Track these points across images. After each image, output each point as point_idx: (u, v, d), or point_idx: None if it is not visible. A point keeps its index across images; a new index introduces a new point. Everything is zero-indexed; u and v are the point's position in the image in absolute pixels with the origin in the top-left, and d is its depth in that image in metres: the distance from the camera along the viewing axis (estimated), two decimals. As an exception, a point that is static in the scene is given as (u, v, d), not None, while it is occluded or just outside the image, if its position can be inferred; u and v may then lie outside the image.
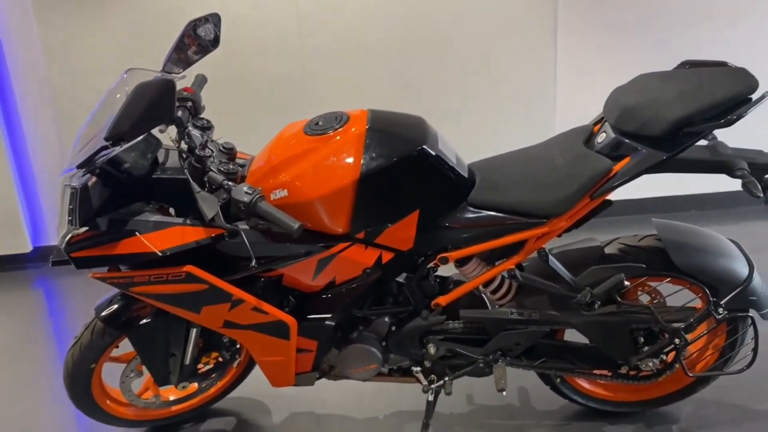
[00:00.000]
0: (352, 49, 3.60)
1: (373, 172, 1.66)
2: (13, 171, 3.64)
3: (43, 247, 3.84)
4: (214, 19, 1.89)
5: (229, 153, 1.81)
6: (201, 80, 2.01)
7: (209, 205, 1.55)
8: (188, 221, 1.71)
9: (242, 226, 1.71)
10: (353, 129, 1.71)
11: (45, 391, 2.59)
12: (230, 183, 1.57)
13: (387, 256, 1.78)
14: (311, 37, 3.56)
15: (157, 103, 1.50)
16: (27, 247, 3.76)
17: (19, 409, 2.48)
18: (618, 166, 1.68)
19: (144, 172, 1.75)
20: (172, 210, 1.83)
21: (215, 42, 1.89)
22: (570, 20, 3.59)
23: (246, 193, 1.51)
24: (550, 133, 3.73)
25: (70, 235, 1.65)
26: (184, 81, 1.86)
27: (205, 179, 1.63)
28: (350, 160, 1.66)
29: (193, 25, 1.86)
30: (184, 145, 1.78)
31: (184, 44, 1.87)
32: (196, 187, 1.61)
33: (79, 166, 1.61)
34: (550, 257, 1.78)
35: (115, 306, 1.90)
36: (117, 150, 1.59)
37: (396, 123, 1.78)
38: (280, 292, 1.87)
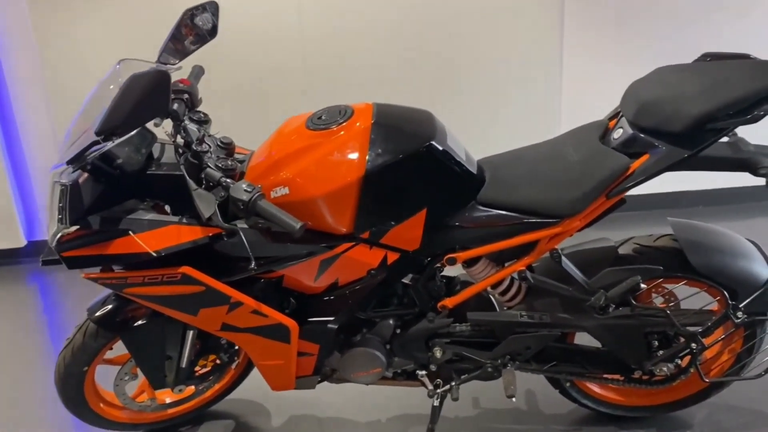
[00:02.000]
0: (353, 43, 3.51)
1: (378, 168, 1.58)
2: (6, 165, 3.56)
3: (37, 242, 3.77)
4: (212, 8, 1.83)
5: (227, 148, 1.74)
6: (198, 72, 1.93)
7: (206, 204, 1.48)
8: (184, 220, 1.64)
9: (241, 225, 1.64)
10: (358, 123, 1.63)
11: (38, 390, 2.52)
12: (228, 180, 1.51)
13: (392, 257, 1.71)
14: (311, 28, 3.47)
15: (151, 96, 1.42)
16: (21, 242, 3.69)
17: (11, 407, 2.43)
18: (636, 164, 1.61)
19: (138, 168, 1.68)
20: (168, 208, 1.77)
21: (213, 32, 1.83)
22: (577, 12, 3.50)
23: (245, 191, 1.45)
24: (555, 128, 3.69)
25: (60, 234, 1.58)
26: (180, 72, 1.79)
27: (202, 176, 1.55)
28: (355, 156, 1.59)
29: (191, 14, 1.79)
30: (180, 140, 1.70)
31: (180, 34, 1.80)
32: (192, 184, 1.54)
33: (69, 162, 1.53)
34: (563, 258, 1.71)
35: (109, 307, 1.84)
36: (109, 145, 1.52)
37: (403, 117, 1.71)
38: (280, 294, 1.80)
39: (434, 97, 3.59)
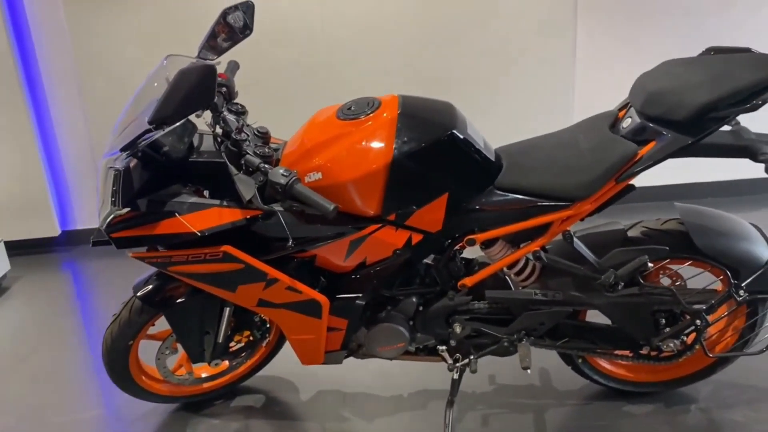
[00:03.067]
0: (374, 39, 3.63)
1: (404, 155, 1.70)
2: (41, 156, 3.71)
3: (70, 231, 3.92)
4: (244, 8, 1.93)
5: (264, 137, 1.86)
6: (233, 66, 2.07)
7: (247, 187, 1.60)
8: (225, 203, 1.77)
9: (277, 207, 1.77)
10: (385, 114, 1.75)
11: (71, 372, 2.67)
12: (267, 166, 1.62)
13: (416, 238, 1.82)
14: (334, 26, 3.59)
15: (199, 88, 1.56)
16: (55, 231, 3.83)
17: (48, 383, 2.57)
18: (643, 151, 1.71)
19: (181, 156, 1.82)
20: (206, 192, 1.90)
21: (245, 29, 1.93)
22: (590, 6, 3.59)
23: (283, 175, 1.57)
24: (568, 120, 3.78)
25: (112, 216, 1.71)
26: (217, 68, 1.91)
27: (242, 162, 1.67)
28: (382, 144, 1.71)
29: (224, 13, 1.90)
30: (219, 130, 1.83)
31: (215, 32, 1.92)
32: (233, 169, 1.67)
33: (123, 149, 1.67)
34: (575, 239, 1.82)
35: (152, 285, 1.97)
36: (159, 133, 1.65)
37: (426, 108, 1.82)
38: (312, 273, 1.92)
39: (453, 92, 3.69)
